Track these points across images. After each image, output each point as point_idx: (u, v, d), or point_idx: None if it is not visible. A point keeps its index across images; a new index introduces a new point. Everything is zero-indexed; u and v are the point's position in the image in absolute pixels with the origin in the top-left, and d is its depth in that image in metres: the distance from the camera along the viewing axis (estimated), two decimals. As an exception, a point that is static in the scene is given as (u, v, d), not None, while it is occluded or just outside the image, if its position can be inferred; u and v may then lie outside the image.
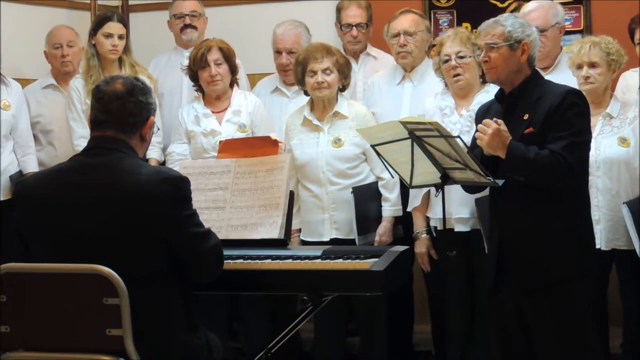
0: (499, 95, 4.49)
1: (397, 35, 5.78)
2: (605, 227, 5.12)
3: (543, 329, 4.36)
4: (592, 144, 5.06)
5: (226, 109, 5.78)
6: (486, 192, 4.69)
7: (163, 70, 6.44)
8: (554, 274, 4.30)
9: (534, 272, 4.31)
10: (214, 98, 5.81)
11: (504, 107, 4.43)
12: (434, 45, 5.69)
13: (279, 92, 6.21)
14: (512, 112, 4.38)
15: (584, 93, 5.02)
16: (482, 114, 4.56)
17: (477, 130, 4.36)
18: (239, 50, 6.11)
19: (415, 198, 5.38)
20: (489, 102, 4.63)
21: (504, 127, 4.26)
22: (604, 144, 5.14)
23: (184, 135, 5.80)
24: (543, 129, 4.27)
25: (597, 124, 5.15)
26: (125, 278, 3.35)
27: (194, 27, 6.38)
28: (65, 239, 3.49)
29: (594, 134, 5.11)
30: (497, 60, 4.37)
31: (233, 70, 5.79)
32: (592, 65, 5.11)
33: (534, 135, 4.27)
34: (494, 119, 4.29)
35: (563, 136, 4.23)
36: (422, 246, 5.41)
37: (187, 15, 6.39)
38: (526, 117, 4.32)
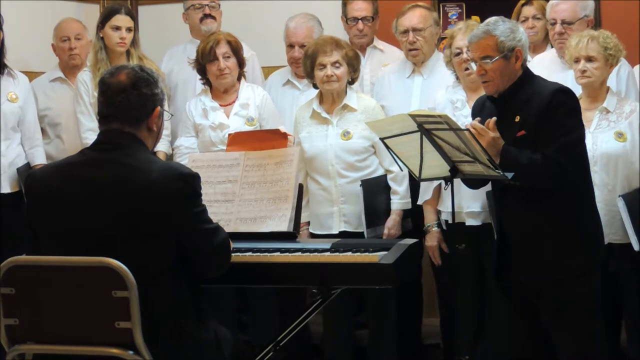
0: (491, 96, 4.48)
1: (406, 31, 5.77)
2: (602, 221, 5.10)
3: (552, 324, 4.37)
4: (589, 139, 5.06)
5: (234, 102, 5.79)
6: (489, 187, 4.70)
7: (178, 61, 6.42)
8: (560, 270, 4.30)
9: (541, 268, 4.31)
10: (221, 91, 5.81)
11: (496, 108, 4.42)
12: (443, 38, 5.68)
13: (291, 85, 6.21)
14: (504, 112, 4.37)
15: (580, 87, 5.03)
16: (478, 111, 4.56)
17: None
18: (250, 43, 6.11)
19: (426, 191, 5.38)
20: (483, 98, 4.61)
21: (497, 135, 4.26)
22: (601, 139, 5.11)
23: (192, 128, 5.80)
24: (535, 130, 4.27)
25: (594, 119, 5.13)
26: (133, 273, 3.34)
27: (213, 18, 6.36)
28: (74, 233, 3.48)
29: (590, 129, 5.10)
30: (493, 73, 4.35)
31: (241, 63, 5.79)
32: (589, 59, 5.07)
33: (527, 137, 4.28)
34: (487, 123, 4.27)
35: (554, 137, 4.24)
36: (433, 239, 5.40)
37: (207, 5, 6.37)
38: (517, 119, 4.32)
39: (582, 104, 5.16)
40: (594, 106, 5.16)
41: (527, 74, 4.44)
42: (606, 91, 5.19)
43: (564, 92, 4.35)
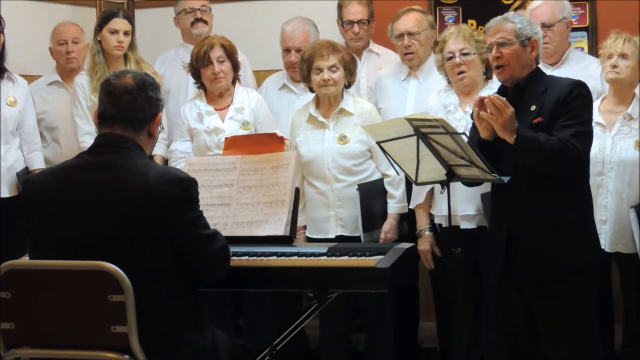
0: (502, 89, 4.50)
1: (401, 36, 5.78)
2: (611, 229, 5.10)
3: (548, 323, 4.39)
4: (609, 143, 5.06)
5: (229, 106, 5.78)
6: (488, 187, 4.69)
7: (170, 66, 6.43)
8: (558, 267, 4.33)
9: (539, 266, 4.33)
10: (216, 95, 5.81)
11: (509, 99, 4.42)
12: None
13: (287, 89, 6.20)
14: (518, 104, 4.39)
15: (608, 82, 5.03)
16: None
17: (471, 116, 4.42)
18: (244, 47, 6.11)
19: (418, 195, 5.38)
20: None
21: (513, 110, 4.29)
22: (620, 145, 5.10)
23: (187, 132, 5.79)
24: (551, 118, 4.30)
25: (616, 123, 5.12)
26: (130, 277, 3.34)
27: (205, 22, 6.37)
28: (71, 237, 3.48)
29: (611, 132, 5.10)
30: (509, 57, 4.40)
31: (235, 67, 5.79)
32: (623, 56, 5.09)
33: (543, 124, 4.31)
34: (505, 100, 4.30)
35: (571, 125, 4.28)
36: (425, 244, 5.40)
37: (198, 9, 6.38)
38: (533, 108, 4.37)
39: (606, 104, 5.18)
40: (618, 109, 5.16)
41: (540, 69, 4.53)
42: (632, 97, 5.17)
43: (583, 86, 4.42)
